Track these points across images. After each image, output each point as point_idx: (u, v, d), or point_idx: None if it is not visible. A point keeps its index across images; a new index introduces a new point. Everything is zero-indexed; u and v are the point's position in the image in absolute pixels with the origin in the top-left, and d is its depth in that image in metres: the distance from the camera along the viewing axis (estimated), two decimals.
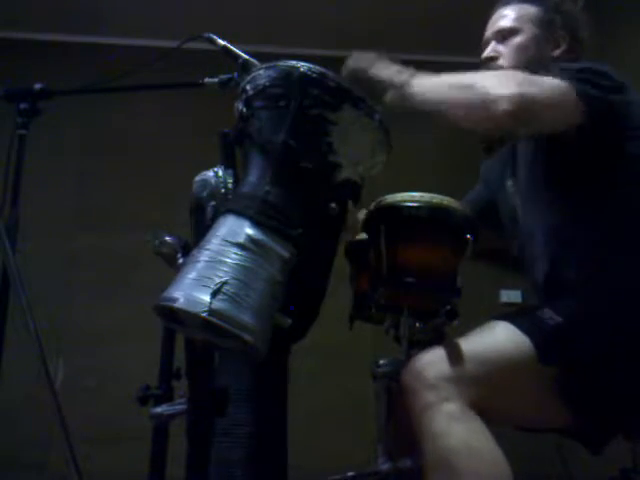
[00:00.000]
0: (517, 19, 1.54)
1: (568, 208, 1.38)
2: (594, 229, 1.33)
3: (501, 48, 1.54)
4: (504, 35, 1.54)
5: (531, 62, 1.49)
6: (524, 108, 1.23)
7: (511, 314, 1.29)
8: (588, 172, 1.35)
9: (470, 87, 1.28)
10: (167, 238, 1.21)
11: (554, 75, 1.30)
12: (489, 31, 1.59)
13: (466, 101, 1.28)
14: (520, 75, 1.31)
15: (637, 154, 1.34)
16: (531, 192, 1.46)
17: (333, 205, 1.15)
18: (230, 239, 1.04)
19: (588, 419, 1.24)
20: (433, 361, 1.19)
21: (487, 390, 1.18)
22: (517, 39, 1.52)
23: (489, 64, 1.54)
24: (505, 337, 1.23)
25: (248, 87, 1.18)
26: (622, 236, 1.32)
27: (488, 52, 1.56)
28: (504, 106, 1.22)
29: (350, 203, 1.20)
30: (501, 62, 1.53)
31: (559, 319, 1.22)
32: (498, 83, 1.27)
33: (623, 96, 1.33)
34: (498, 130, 1.37)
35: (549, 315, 1.23)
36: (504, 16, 1.56)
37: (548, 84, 1.29)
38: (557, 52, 1.51)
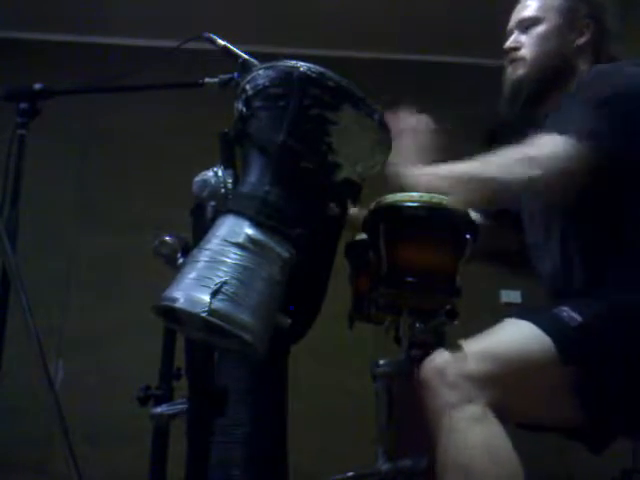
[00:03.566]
0: (540, 8, 1.53)
1: (594, 213, 1.38)
2: (620, 232, 1.34)
3: (523, 38, 1.53)
4: (526, 25, 1.52)
5: (552, 52, 1.49)
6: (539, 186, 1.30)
7: (529, 313, 1.28)
8: (615, 184, 1.34)
9: (476, 180, 1.33)
10: (167, 238, 1.21)
11: (557, 127, 1.32)
12: (512, 21, 1.57)
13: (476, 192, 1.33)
14: (521, 157, 1.32)
15: None
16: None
17: (333, 205, 1.15)
18: (230, 239, 1.04)
19: (600, 419, 1.23)
20: (455, 359, 1.18)
21: (507, 390, 1.17)
22: (539, 29, 1.51)
23: (511, 54, 1.53)
24: (526, 337, 1.22)
25: (248, 87, 1.18)
26: None
27: (510, 42, 1.54)
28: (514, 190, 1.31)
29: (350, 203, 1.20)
30: (523, 52, 1.51)
31: (579, 318, 1.22)
32: (503, 171, 1.31)
33: None
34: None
35: (568, 314, 1.23)
36: (527, 5, 1.55)
37: (550, 159, 1.30)
38: (581, 41, 1.50)
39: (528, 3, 1.55)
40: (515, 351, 1.21)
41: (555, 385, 1.21)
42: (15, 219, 1.51)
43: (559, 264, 1.44)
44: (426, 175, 1.34)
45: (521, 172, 1.29)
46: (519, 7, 1.58)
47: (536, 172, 1.28)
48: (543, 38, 1.50)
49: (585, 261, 1.38)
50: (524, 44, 1.52)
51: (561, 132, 1.30)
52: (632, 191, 1.36)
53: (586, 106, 1.33)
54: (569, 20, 1.50)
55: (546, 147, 1.31)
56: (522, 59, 1.51)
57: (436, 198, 1.29)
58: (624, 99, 1.32)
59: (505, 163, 1.32)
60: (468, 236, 1.30)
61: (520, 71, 1.51)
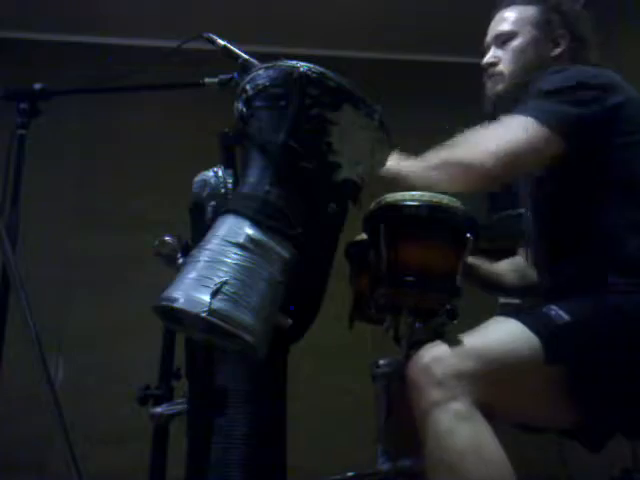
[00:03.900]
0: (515, 22, 1.56)
1: (573, 212, 1.39)
2: (604, 230, 1.34)
3: (500, 53, 1.56)
4: (503, 39, 1.56)
5: (529, 65, 1.51)
6: (502, 163, 1.30)
7: (517, 312, 1.29)
8: (590, 180, 1.36)
9: (445, 164, 1.34)
10: (167, 238, 1.21)
11: (519, 112, 1.34)
12: (489, 36, 1.60)
13: (450, 176, 1.33)
14: (484, 134, 1.36)
15: (627, 159, 1.35)
16: (539, 198, 1.49)
17: (333, 205, 1.15)
18: (230, 239, 1.04)
19: (593, 418, 1.23)
20: (441, 356, 1.17)
21: (494, 388, 1.17)
22: (515, 42, 1.54)
23: (489, 69, 1.57)
24: (513, 335, 1.22)
25: (248, 87, 1.18)
26: (633, 235, 1.33)
27: (488, 58, 1.58)
28: (484, 168, 1.30)
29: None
30: (500, 67, 1.55)
31: (567, 317, 1.22)
32: (469, 150, 1.33)
33: (605, 102, 1.34)
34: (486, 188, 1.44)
35: (556, 313, 1.23)
36: (503, 20, 1.58)
37: (512, 132, 1.33)
38: (557, 51, 1.53)
39: (505, 16, 1.58)
40: (502, 349, 1.21)
41: (544, 383, 1.21)
42: (15, 219, 1.51)
43: (542, 265, 1.45)
44: (409, 167, 1.35)
45: (484, 150, 1.32)
46: (495, 21, 1.60)
47: (497, 151, 1.31)
48: (519, 52, 1.53)
49: (556, 262, 1.41)
50: (501, 59, 1.55)
51: (526, 114, 1.33)
52: (595, 189, 1.37)
53: (542, 94, 1.36)
54: (544, 32, 1.53)
55: (512, 127, 1.34)
56: (500, 74, 1.54)
57: (436, 198, 1.29)
58: (577, 88, 1.35)
59: (473, 143, 1.35)
60: (468, 235, 1.30)
61: (499, 87, 1.54)
